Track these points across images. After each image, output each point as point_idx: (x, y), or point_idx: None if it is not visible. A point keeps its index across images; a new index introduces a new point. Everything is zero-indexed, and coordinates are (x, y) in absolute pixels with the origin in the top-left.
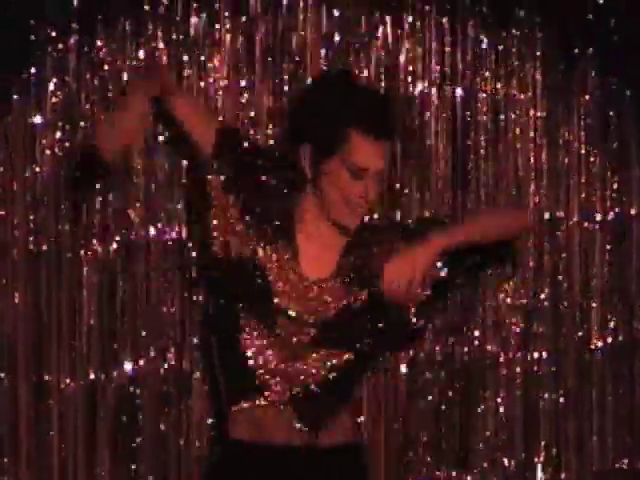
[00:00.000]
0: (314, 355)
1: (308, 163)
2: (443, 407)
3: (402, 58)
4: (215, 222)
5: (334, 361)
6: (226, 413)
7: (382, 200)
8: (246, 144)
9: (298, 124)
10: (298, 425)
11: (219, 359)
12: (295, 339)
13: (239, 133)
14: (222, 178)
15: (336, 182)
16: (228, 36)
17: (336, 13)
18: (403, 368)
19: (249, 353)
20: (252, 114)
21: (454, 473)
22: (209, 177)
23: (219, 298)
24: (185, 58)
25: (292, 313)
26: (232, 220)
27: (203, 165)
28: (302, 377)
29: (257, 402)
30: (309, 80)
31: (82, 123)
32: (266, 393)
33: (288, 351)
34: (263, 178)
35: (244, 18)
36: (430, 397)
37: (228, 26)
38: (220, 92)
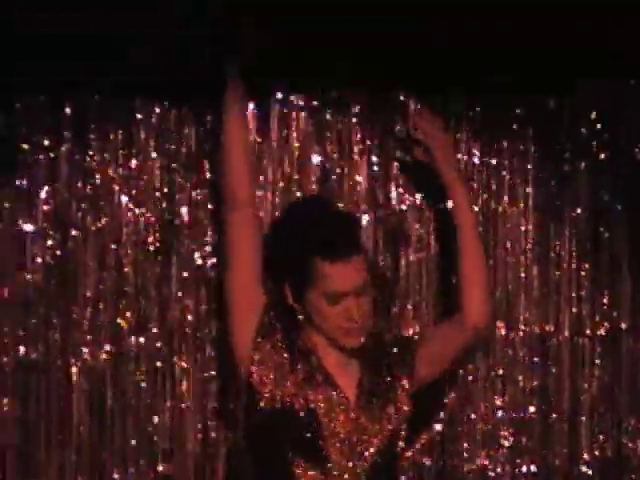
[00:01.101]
0: None
1: (292, 300)
2: None
3: (390, 171)
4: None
5: None
6: None
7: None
8: None
9: (273, 263)
10: None
11: None
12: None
13: None
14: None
15: (319, 312)
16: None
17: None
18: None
19: None
20: None
21: None
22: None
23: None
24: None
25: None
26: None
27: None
28: None
29: None
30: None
31: (73, 231)
32: None
33: None
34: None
35: None
36: None
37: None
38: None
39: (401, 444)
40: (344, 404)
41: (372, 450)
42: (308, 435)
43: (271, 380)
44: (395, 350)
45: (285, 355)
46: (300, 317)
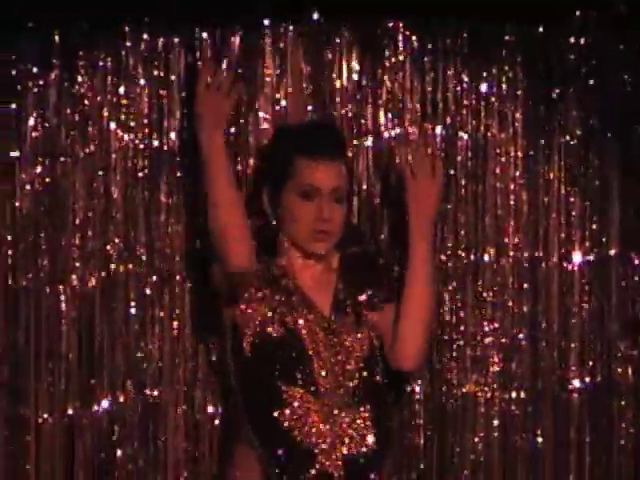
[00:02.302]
0: (357, 413)
1: (268, 204)
2: (420, 446)
3: (382, 98)
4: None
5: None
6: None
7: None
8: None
9: (256, 170)
10: None
11: (258, 435)
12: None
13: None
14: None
15: (292, 211)
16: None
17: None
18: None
19: (293, 423)
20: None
21: None
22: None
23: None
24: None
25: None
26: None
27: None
28: (350, 439)
29: (311, 475)
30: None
31: (62, 158)
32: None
33: (332, 412)
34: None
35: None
36: (408, 436)
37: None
38: None
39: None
40: (323, 322)
41: (356, 365)
42: (293, 357)
43: (253, 316)
44: (370, 272)
45: (262, 284)
46: (273, 222)
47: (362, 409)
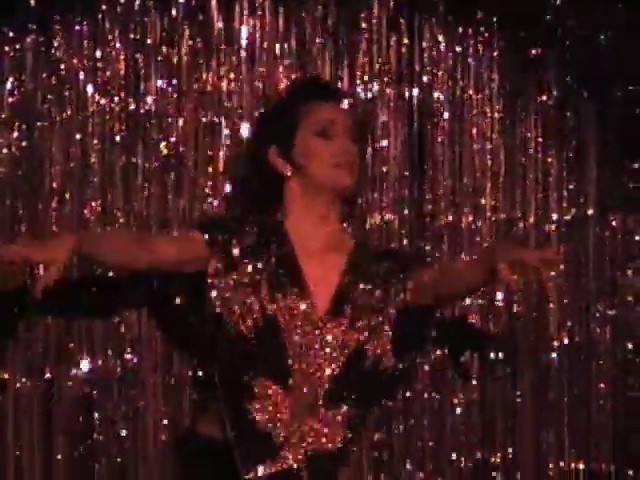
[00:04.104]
0: (330, 412)
1: (280, 159)
2: (400, 407)
3: (359, 58)
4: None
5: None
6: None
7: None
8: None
9: (260, 130)
10: None
11: (230, 421)
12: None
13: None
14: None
15: (311, 150)
16: (185, 36)
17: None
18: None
19: (261, 415)
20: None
21: (414, 474)
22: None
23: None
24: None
25: (304, 366)
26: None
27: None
28: (317, 436)
29: (273, 467)
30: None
31: (39, 122)
32: (282, 456)
33: (303, 408)
34: (246, 228)
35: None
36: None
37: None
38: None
39: (367, 363)
40: (313, 317)
41: (337, 368)
42: (269, 350)
43: (237, 309)
44: (387, 265)
45: (255, 269)
46: (288, 173)
47: (334, 409)
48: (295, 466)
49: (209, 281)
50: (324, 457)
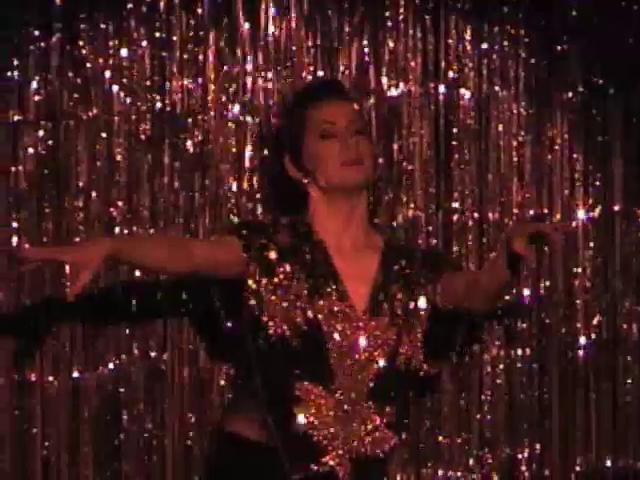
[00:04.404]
0: (373, 414)
1: (293, 167)
2: (428, 405)
3: (384, 57)
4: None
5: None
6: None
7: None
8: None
9: (276, 139)
10: None
11: (272, 422)
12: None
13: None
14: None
15: (318, 157)
16: (211, 35)
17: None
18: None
19: (305, 418)
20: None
21: (439, 470)
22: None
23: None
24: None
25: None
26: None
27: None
28: (361, 439)
29: (317, 470)
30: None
31: (64, 121)
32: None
33: (346, 410)
34: (280, 231)
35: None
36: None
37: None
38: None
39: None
40: (352, 316)
41: (377, 368)
42: (311, 352)
43: (277, 313)
44: (418, 264)
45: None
46: (303, 180)
47: (378, 410)
48: (339, 470)
49: (248, 286)
50: (368, 461)
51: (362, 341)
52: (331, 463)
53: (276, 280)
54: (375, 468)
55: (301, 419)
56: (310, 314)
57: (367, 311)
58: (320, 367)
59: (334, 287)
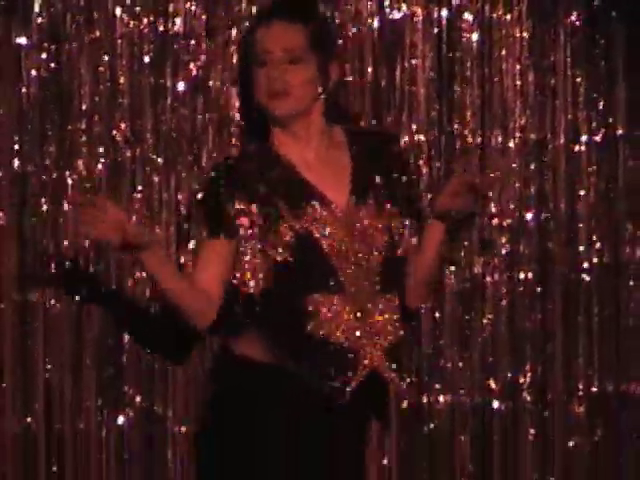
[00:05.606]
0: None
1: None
2: (429, 329)
3: None
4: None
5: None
6: None
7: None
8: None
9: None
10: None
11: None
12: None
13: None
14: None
15: (254, 83)
16: None
17: None
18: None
19: (325, 329)
20: None
21: (441, 396)
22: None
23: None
24: None
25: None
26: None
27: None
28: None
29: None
30: None
31: (67, 44)
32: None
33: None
34: (246, 169)
35: None
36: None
37: None
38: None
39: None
40: (333, 211)
41: (379, 254)
42: (312, 264)
43: (269, 238)
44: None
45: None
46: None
47: (389, 296)
48: (377, 364)
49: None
50: (395, 347)
51: (355, 235)
52: (369, 362)
53: (256, 213)
54: (401, 353)
55: (323, 331)
56: (298, 228)
57: (353, 202)
58: (326, 274)
59: (311, 196)
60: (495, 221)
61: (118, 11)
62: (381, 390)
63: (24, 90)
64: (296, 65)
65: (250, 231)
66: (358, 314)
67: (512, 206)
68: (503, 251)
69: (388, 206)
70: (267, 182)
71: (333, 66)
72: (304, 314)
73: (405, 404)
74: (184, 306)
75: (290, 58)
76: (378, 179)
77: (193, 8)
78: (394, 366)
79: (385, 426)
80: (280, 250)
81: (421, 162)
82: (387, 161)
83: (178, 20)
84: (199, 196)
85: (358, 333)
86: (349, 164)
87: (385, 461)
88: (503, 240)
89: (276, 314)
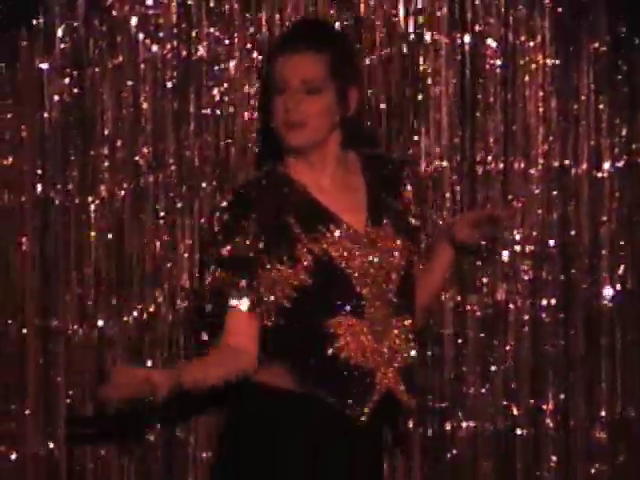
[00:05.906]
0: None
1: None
2: (452, 355)
3: (410, 6)
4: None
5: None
6: None
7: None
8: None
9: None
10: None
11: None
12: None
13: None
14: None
15: (271, 111)
16: None
17: None
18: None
19: (346, 352)
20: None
21: (463, 422)
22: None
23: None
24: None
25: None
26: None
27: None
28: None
29: (375, 395)
30: None
31: (90, 69)
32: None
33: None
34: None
35: None
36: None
37: None
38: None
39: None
40: (351, 234)
41: (396, 273)
42: (330, 287)
43: (287, 261)
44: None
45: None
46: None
47: (403, 317)
48: (392, 386)
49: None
50: (408, 369)
51: (373, 256)
52: (385, 383)
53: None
54: (413, 376)
55: (344, 354)
56: (317, 252)
57: (369, 225)
58: (346, 297)
59: (329, 219)
60: (518, 248)
61: (141, 36)
62: (394, 410)
63: (46, 115)
64: (313, 96)
65: (268, 266)
66: (376, 335)
67: (535, 233)
68: (526, 277)
69: (402, 228)
70: (283, 207)
71: (352, 91)
72: (325, 337)
73: (430, 432)
74: (230, 377)
75: (308, 89)
76: (391, 201)
77: (217, 33)
78: (406, 386)
79: (403, 452)
80: (299, 275)
81: (444, 189)
82: (397, 186)
83: (201, 46)
84: (223, 252)
85: (375, 354)
86: (364, 188)
87: None
88: (526, 267)
89: (295, 338)
